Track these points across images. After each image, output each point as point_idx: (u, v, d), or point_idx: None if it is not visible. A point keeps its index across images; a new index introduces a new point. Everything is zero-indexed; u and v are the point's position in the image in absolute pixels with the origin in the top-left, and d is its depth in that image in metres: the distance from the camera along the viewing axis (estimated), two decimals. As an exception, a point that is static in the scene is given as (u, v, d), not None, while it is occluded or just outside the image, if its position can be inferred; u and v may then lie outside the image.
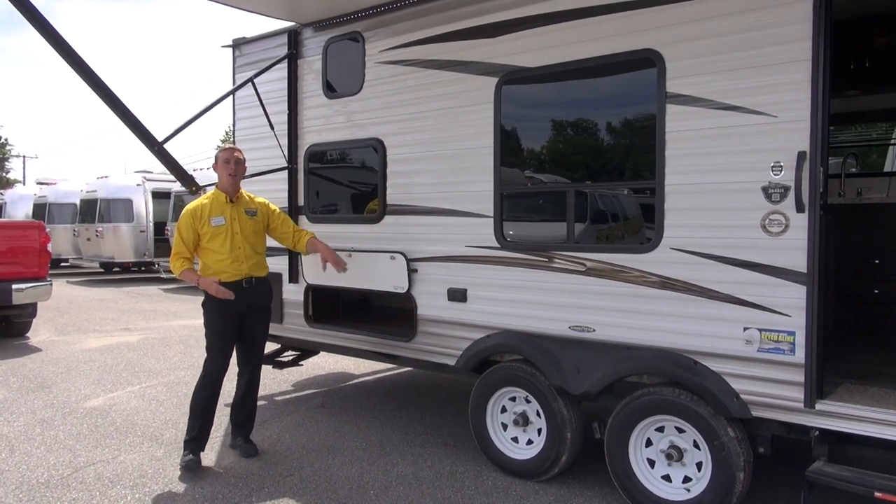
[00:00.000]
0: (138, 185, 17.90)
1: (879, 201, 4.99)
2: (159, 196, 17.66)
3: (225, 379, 4.59)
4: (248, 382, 4.78)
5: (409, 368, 7.07)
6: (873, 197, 5.19)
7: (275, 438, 5.07)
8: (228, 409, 4.92)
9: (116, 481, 4.29)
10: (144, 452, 4.80)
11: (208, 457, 4.70)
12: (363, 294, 5.98)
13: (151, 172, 19.33)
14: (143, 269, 19.33)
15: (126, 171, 23.44)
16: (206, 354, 4.59)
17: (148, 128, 4.74)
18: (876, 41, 4.91)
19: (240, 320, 4.59)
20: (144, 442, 5.01)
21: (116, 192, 17.77)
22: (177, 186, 16.40)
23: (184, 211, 4.61)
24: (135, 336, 9.55)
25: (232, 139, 6.00)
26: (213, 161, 4.75)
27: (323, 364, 7.41)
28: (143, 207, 17.71)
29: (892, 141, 7.27)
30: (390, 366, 7.16)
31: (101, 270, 20.26)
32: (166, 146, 4.88)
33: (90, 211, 18.13)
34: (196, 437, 4.54)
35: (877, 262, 4.69)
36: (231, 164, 4.61)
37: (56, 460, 4.64)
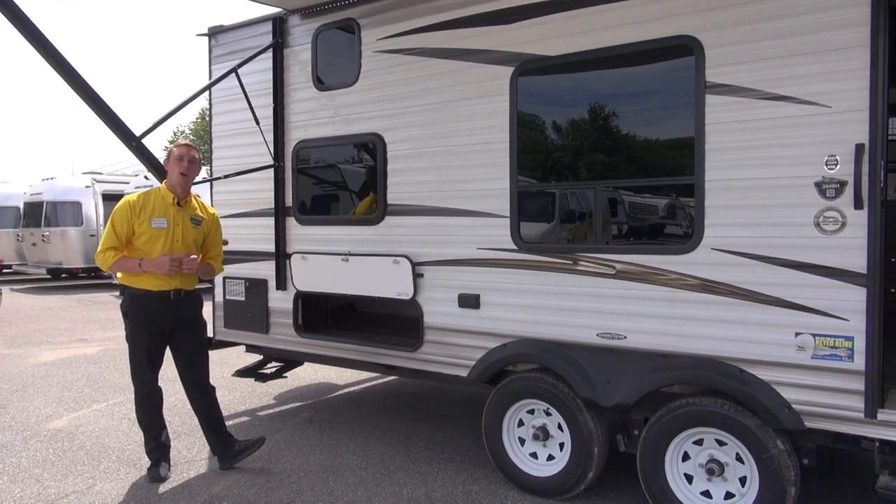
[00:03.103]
0: (87, 186, 17.01)
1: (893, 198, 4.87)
2: (110, 198, 16.77)
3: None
4: (208, 403, 4.43)
5: (395, 378, 6.73)
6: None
7: (266, 459, 4.67)
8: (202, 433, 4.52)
9: (95, 516, 3.84)
10: (123, 479, 4.34)
11: (195, 482, 4.28)
12: (350, 300, 5.64)
13: (101, 174, 18.42)
14: (93, 275, 18.40)
15: (74, 173, 22.36)
16: (130, 368, 4.28)
17: (125, 123, 4.29)
18: None
19: (168, 336, 4.28)
20: (121, 467, 4.54)
21: (64, 195, 16.87)
22: (129, 188, 15.64)
23: (121, 201, 4.15)
24: (93, 347, 8.93)
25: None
26: (165, 157, 4.31)
27: (304, 375, 6.99)
28: (93, 210, 16.84)
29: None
30: (374, 375, 6.82)
31: (49, 277, 19.22)
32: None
33: (35, 214, 17.19)
34: (155, 447, 4.35)
35: (893, 260, 4.56)
36: (184, 161, 4.17)
37: (22, 492, 4.15)
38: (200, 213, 4.35)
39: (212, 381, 4.51)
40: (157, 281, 4.13)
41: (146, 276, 4.12)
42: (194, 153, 4.24)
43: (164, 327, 4.22)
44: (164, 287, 4.15)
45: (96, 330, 10.41)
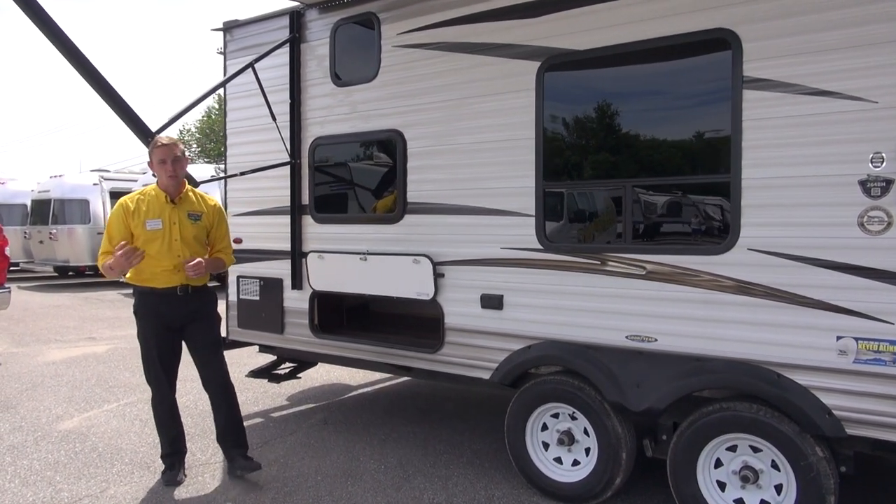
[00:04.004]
0: (95, 184, 16.97)
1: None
2: (117, 196, 16.56)
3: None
4: (224, 400, 4.25)
5: (408, 378, 6.63)
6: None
7: (282, 462, 4.57)
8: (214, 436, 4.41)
9: (110, 520, 3.75)
10: (137, 483, 4.25)
11: (210, 485, 4.18)
12: (364, 300, 5.54)
13: (109, 171, 18.39)
14: (100, 273, 18.34)
15: (81, 170, 22.36)
16: (143, 369, 4.20)
17: (142, 119, 4.20)
18: None
19: (178, 333, 4.16)
20: (135, 470, 4.45)
21: (72, 192, 16.81)
22: (137, 185, 15.58)
23: (116, 205, 4.04)
24: (102, 346, 8.85)
25: (223, 133, 5.46)
26: (149, 157, 4.10)
27: (316, 375, 6.88)
28: (101, 208, 16.78)
29: None
30: (387, 376, 6.72)
31: (56, 275, 19.18)
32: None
33: (43, 212, 17.13)
34: (170, 451, 4.26)
35: None
36: (168, 164, 3.97)
37: (34, 496, 4.06)
38: (199, 208, 4.15)
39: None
40: (161, 279, 4.02)
41: (151, 274, 4.01)
42: (176, 150, 4.02)
43: (173, 325, 4.10)
44: (169, 283, 4.03)
45: (104, 328, 10.34)
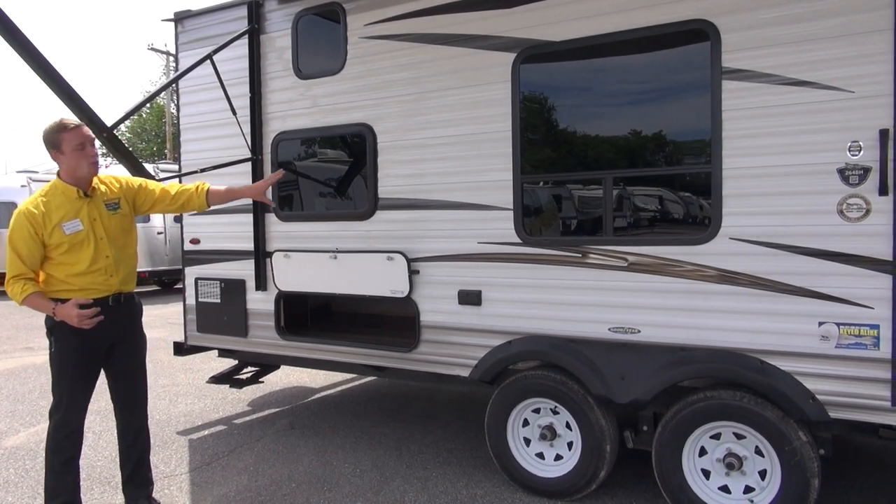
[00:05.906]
0: (23, 186, 16.06)
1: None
2: (48, 199, 15.96)
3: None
4: (140, 438, 3.68)
5: (372, 378, 6.52)
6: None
7: (252, 471, 4.39)
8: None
9: (74, 542, 3.51)
10: (97, 500, 4.01)
11: (179, 499, 3.98)
12: (326, 299, 5.41)
13: (37, 172, 17.46)
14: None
15: (7, 171, 21.20)
16: (53, 399, 3.42)
17: (97, 114, 3.95)
18: None
19: (104, 353, 3.47)
20: (94, 486, 4.20)
21: (-3, 195, 15.91)
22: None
23: (15, 216, 3.27)
24: (41, 356, 8.37)
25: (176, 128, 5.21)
26: (50, 146, 3.32)
27: (275, 379, 6.67)
28: (30, 211, 15.94)
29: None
30: (350, 376, 6.60)
31: (-20, 283, 18.12)
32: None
33: (-34, 216, 16.16)
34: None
35: None
36: (88, 148, 3.34)
37: (-14, 519, 3.78)
38: (112, 194, 3.51)
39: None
40: (91, 289, 3.36)
41: (76, 281, 3.34)
42: (89, 132, 3.42)
43: (102, 344, 3.42)
44: (101, 293, 3.38)
45: (41, 337, 9.74)
